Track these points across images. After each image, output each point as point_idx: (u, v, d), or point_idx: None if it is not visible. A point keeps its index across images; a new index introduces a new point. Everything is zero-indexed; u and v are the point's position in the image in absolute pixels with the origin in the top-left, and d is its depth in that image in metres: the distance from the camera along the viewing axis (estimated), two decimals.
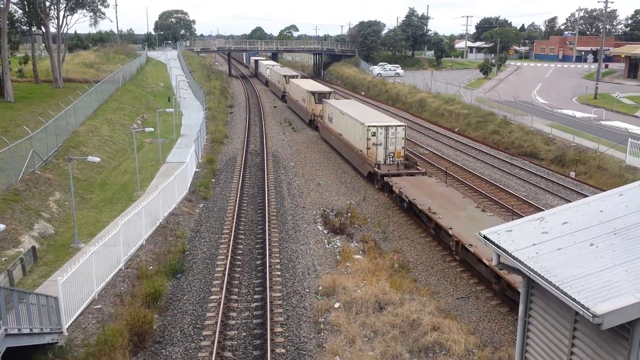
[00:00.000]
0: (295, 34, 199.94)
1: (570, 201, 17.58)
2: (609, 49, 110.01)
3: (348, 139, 40.22)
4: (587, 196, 15.93)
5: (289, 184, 36.51)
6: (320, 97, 56.10)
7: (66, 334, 16.98)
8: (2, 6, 50.73)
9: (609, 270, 8.50)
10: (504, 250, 9.85)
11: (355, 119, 38.40)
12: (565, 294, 8.18)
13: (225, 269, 23.08)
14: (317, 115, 54.71)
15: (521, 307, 10.30)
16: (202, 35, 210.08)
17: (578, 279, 8.44)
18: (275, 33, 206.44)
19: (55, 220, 26.25)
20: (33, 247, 22.25)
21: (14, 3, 57.77)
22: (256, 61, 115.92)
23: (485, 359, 17.21)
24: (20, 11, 60.79)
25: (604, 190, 15.53)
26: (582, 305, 7.81)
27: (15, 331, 13.72)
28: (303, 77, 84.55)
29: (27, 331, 14.44)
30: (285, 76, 76.32)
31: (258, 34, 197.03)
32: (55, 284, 17.51)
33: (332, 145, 46.14)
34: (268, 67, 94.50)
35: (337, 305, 20.33)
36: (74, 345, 16.65)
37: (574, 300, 8.00)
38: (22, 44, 69.28)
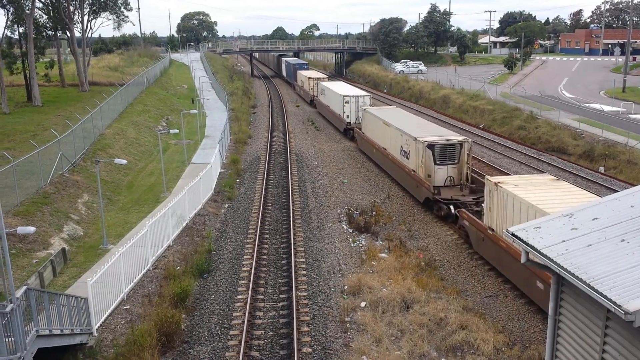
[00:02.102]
0: (317, 33, 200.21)
1: (600, 197, 17.27)
2: (636, 42, 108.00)
3: None
4: (617, 191, 15.65)
5: (312, 183, 36.53)
6: None
7: (96, 334, 17.21)
8: (27, 12, 51.65)
9: None
10: (533, 248, 9.72)
11: None
12: (597, 291, 8.04)
13: (251, 268, 23.18)
14: None
15: (551, 305, 10.15)
16: (224, 37, 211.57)
17: (609, 275, 8.29)
18: (297, 32, 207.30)
19: (84, 222, 26.63)
20: (63, 249, 22.60)
21: (39, 9, 58.86)
22: (310, 80, 70.49)
23: (515, 357, 17.00)
24: (45, 16, 61.89)
25: (634, 185, 15.24)
26: (614, 303, 7.66)
27: (47, 332, 13.94)
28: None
29: (58, 332, 14.66)
30: (420, 141, 30.50)
31: (279, 33, 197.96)
32: (85, 285, 17.76)
33: None
34: (347, 99, 49.36)
35: (363, 304, 20.27)
36: (104, 346, 16.87)
37: (605, 297, 7.85)
38: (47, 48, 70.41)
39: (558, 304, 10.04)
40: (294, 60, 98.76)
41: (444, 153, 29.96)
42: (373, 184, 36.35)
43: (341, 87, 58.25)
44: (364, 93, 52.44)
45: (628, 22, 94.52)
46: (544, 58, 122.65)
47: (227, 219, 29.76)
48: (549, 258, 9.26)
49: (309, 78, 71.54)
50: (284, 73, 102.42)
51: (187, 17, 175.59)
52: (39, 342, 13.46)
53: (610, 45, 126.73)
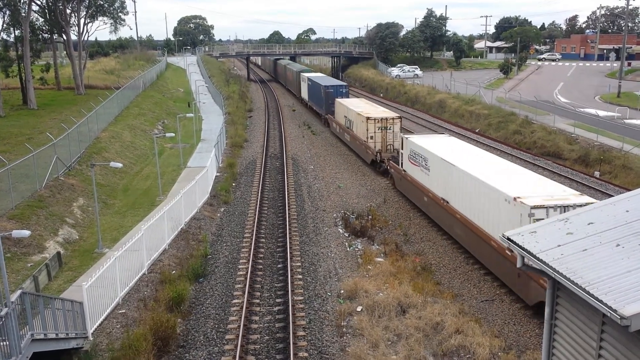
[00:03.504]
0: (313, 37, 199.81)
1: (596, 201, 17.32)
2: (631, 47, 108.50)
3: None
4: (613, 196, 15.68)
5: (309, 187, 36.51)
6: None
7: (91, 338, 17.15)
8: (24, 15, 51.58)
9: (637, 270, 8.34)
10: (529, 252, 9.72)
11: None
12: (592, 295, 8.04)
13: (247, 272, 23.13)
14: None
15: (547, 310, 10.15)
16: (220, 40, 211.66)
17: (605, 280, 8.29)
18: (293, 37, 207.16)
19: (79, 226, 26.56)
20: (58, 253, 22.52)
21: (35, 12, 58.73)
22: (371, 123, 39.31)
23: None
24: (41, 19, 61.72)
25: (629, 190, 15.26)
26: (610, 307, 7.66)
27: (42, 336, 13.89)
28: None
29: (53, 336, 14.61)
30: None
31: (276, 37, 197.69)
32: (80, 289, 17.70)
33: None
34: (535, 212, 19.00)
35: (359, 308, 20.25)
36: (99, 350, 16.82)
37: (601, 302, 7.85)
38: (43, 51, 70.24)
39: (554, 308, 10.04)
40: (321, 77, 65.52)
41: None
42: (369, 188, 36.34)
43: (483, 164, 25.87)
44: (565, 194, 21.40)
45: (623, 28, 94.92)
46: (539, 63, 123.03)
47: (223, 223, 29.71)
48: (544, 262, 9.26)
49: (368, 118, 39.62)
50: (304, 95, 69.95)
51: (183, 21, 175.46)
52: (34, 346, 13.41)
53: (605, 51, 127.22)
